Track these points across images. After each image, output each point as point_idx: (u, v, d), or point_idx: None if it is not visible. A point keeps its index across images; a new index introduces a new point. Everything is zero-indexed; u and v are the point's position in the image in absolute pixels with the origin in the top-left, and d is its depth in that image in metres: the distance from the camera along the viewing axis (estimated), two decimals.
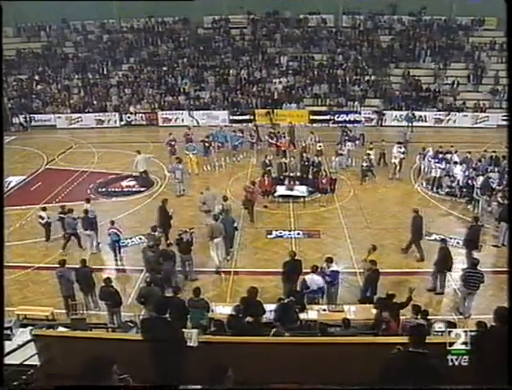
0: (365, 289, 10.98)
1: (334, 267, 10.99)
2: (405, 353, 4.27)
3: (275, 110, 27.04)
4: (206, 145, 20.76)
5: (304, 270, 10.94)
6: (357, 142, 21.70)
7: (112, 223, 13.63)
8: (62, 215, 14.38)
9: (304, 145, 20.74)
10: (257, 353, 5.33)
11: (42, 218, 14.68)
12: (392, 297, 9.37)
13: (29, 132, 27.14)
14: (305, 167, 18.54)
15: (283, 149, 20.78)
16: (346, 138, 21.39)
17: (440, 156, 17.98)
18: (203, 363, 5.34)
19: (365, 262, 11.36)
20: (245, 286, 11.97)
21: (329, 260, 11.00)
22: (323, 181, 16.82)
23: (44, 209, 15.14)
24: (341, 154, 20.11)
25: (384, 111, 26.94)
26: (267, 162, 18.14)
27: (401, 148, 19.12)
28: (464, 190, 16.52)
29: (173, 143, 20.46)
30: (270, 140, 21.78)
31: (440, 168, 17.61)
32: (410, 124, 24.97)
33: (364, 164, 18.64)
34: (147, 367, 5.20)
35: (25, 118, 27.63)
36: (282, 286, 11.28)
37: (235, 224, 13.85)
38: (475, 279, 10.46)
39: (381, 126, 26.11)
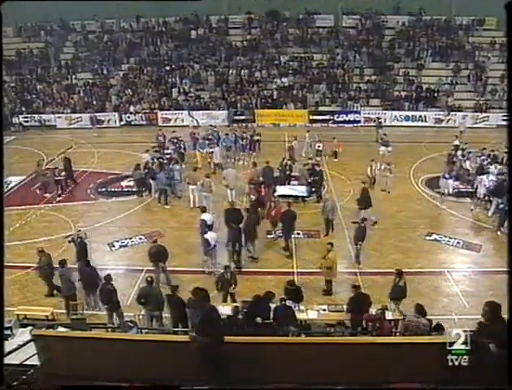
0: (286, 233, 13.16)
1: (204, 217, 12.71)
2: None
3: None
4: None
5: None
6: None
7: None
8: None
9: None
10: (257, 353, 5.33)
11: (144, 159, 17.65)
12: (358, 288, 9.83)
13: (32, 131, 27.11)
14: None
15: None
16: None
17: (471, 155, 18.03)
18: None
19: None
20: (245, 286, 11.98)
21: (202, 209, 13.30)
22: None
23: (147, 151, 18.42)
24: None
25: (385, 111, 26.97)
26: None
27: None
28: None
29: (176, 141, 20.57)
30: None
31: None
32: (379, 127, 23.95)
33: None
34: (147, 367, 5.21)
35: (27, 118, 27.67)
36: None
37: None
38: None
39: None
